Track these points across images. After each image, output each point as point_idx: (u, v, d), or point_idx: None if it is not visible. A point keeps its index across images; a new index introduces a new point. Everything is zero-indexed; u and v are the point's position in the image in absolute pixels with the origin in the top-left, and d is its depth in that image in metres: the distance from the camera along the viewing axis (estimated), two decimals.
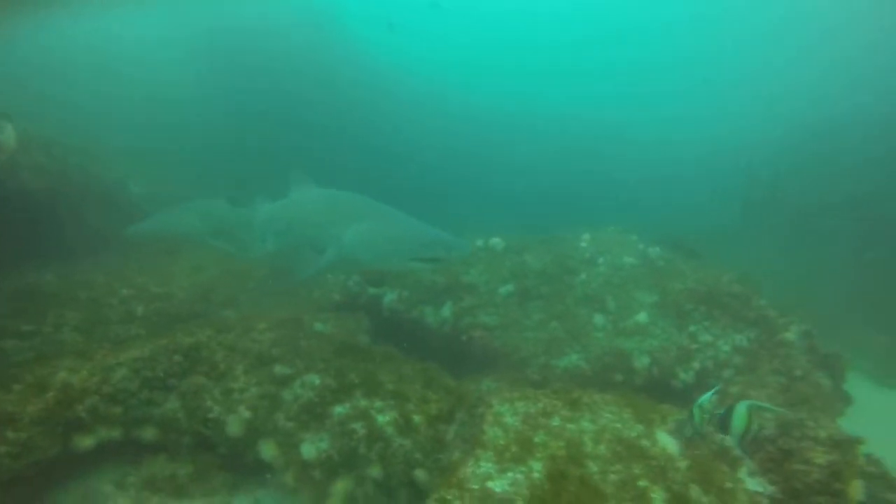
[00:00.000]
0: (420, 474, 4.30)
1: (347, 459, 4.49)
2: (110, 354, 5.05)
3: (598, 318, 7.98)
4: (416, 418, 4.55)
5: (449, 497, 3.25)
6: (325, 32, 28.59)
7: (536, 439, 3.88)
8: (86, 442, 4.43)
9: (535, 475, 3.52)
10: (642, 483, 3.64)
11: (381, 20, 26.82)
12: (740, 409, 4.18)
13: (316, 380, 4.85)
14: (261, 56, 26.50)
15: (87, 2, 18.37)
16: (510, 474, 3.54)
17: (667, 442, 4.20)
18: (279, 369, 4.97)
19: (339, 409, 4.64)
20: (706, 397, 4.19)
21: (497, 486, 3.41)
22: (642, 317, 7.95)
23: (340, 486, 4.50)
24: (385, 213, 5.86)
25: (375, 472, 4.43)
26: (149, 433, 4.84)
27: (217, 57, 26.77)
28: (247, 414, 4.75)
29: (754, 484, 4.76)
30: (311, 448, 4.50)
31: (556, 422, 4.13)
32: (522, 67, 41.85)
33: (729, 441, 5.28)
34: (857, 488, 4.38)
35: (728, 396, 6.42)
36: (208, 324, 6.17)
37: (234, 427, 4.72)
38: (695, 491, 3.71)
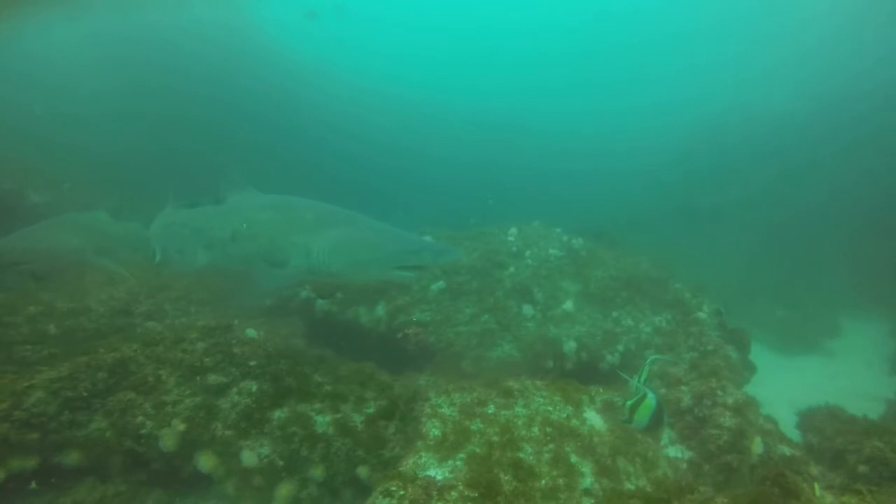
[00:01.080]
0: (363, 471, 4.38)
1: (289, 463, 4.49)
2: (21, 377, 4.72)
3: (528, 309, 8.31)
4: (356, 417, 4.62)
5: (393, 488, 3.35)
6: (244, 32, 27.76)
7: (473, 427, 4.06)
8: None
9: (473, 461, 3.69)
10: (573, 459, 3.91)
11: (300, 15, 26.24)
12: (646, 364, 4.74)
13: (253, 386, 4.79)
14: (177, 58, 25.37)
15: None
16: (449, 462, 3.70)
17: (595, 420, 4.51)
18: (214, 378, 4.86)
19: (278, 414, 4.62)
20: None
21: (438, 474, 3.56)
22: (569, 305, 8.37)
23: (284, 491, 4.48)
24: (356, 218, 5.34)
25: (318, 472, 4.46)
26: (72, 457, 4.58)
27: (131, 60, 25.39)
28: (182, 427, 4.61)
29: (674, 451, 5.22)
30: (251, 455, 4.45)
31: (490, 409, 4.34)
32: (447, 58, 42.22)
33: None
34: (757, 444, 4.92)
35: (651, 375, 6.90)
36: (133, 337, 5.89)
37: (168, 441, 4.57)
38: (621, 461, 4.03)
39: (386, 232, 5.11)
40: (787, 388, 9.79)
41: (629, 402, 4.10)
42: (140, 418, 4.73)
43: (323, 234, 4.95)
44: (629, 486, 3.90)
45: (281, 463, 4.53)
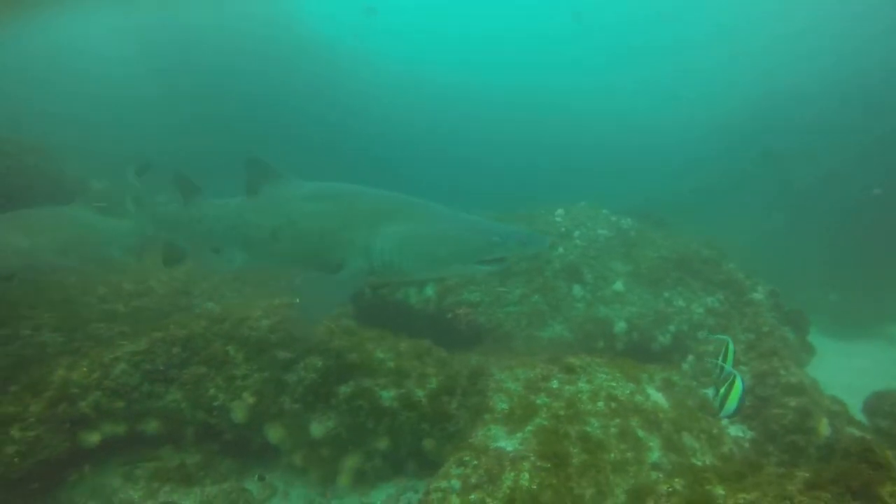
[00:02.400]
0: (428, 444, 4.48)
1: (355, 435, 4.63)
2: (106, 350, 5.01)
3: (577, 290, 8.28)
4: (419, 392, 4.72)
5: (466, 458, 3.44)
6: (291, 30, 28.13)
7: (539, 401, 4.11)
8: (92, 438, 4.44)
9: (543, 433, 3.74)
10: (640, 434, 3.92)
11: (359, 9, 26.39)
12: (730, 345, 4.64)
13: (318, 362, 4.94)
14: (224, 54, 25.99)
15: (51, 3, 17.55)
16: (518, 434, 3.77)
17: (657, 397, 4.50)
18: (280, 354, 5.04)
19: (343, 389, 4.75)
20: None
21: (508, 445, 3.63)
22: (619, 285, 8.30)
23: (350, 462, 4.65)
24: (422, 206, 4.52)
25: (384, 445, 4.59)
26: (152, 426, 4.85)
27: (177, 55, 26.14)
28: (251, 399, 4.81)
29: (735, 430, 5.16)
30: (319, 427, 4.62)
31: (554, 384, 4.38)
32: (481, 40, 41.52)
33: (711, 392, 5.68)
34: (824, 425, 4.82)
35: (706, 354, 6.82)
36: (199, 316, 6.16)
37: (238, 413, 4.78)
38: (687, 438, 4.02)
39: (462, 221, 4.37)
40: (844, 373, 9.46)
41: (721, 390, 3.97)
42: (212, 391, 4.95)
43: (388, 228, 4.20)
44: (696, 461, 3.89)
45: (347, 435, 4.68)
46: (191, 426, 4.95)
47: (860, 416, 6.26)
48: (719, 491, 2.89)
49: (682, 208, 15.43)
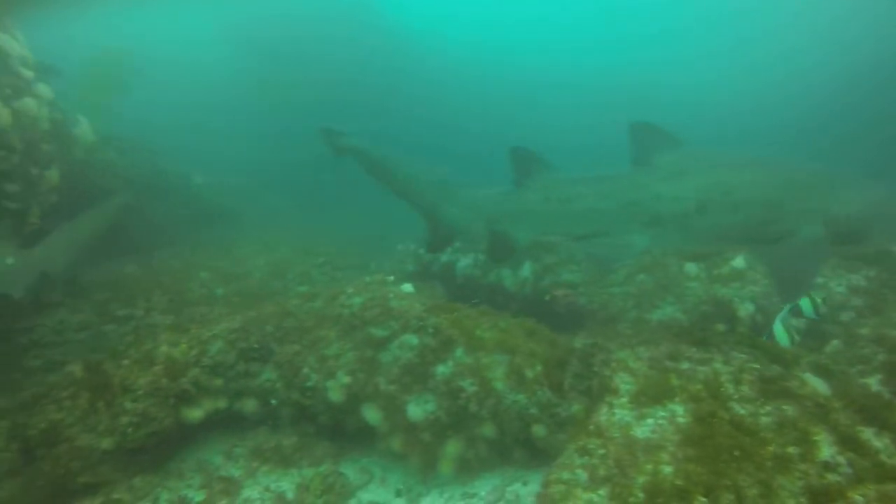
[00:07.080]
0: (538, 430, 4.01)
1: (457, 420, 4.26)
2: (204, 327, 5.00)
3: (690, 267, 7.42)
4: (527, 372, 4.25)
5: (591, 446, 2.94)
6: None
7: (671, 382, 3.50)
8: (195, 413, 4.40)
9: (680, 419, 3.15)
10: (801, 425, 3.22)
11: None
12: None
13: (413, 340, 4.62)
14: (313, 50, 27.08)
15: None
16: (650, 420, 3.19)
17: (815, 382, 3.73)
18: (374, 332, 4.76)
19: (441, 369, 4.40)
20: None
21: (639, 432, 3.08)
22: (739, 262, 7.34)
23: (451, 448, 4.28)
24: (841, 171, 4.56)
25: (488, 430, 4.19)
26: (249, 405, 4.77)
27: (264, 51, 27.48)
28: (346, 379, 4.58)
29: None
30: (417, 410, 4.29)
31: (685, 365, 3.75)
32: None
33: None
34: None
35: (859, 338, 5.80)
36: (292, 296, 6.08)
37: (334, 394, 4.56)
38: (866, 434, 3.25)
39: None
40: None
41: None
42: (306, 370, 4.78)
43: (847, 195, 4.23)
44: (884, 461, 3.12)
45: (447, 420, 4.31)
46: (286, 407, 4.82)
47: None
48: None
49: None
